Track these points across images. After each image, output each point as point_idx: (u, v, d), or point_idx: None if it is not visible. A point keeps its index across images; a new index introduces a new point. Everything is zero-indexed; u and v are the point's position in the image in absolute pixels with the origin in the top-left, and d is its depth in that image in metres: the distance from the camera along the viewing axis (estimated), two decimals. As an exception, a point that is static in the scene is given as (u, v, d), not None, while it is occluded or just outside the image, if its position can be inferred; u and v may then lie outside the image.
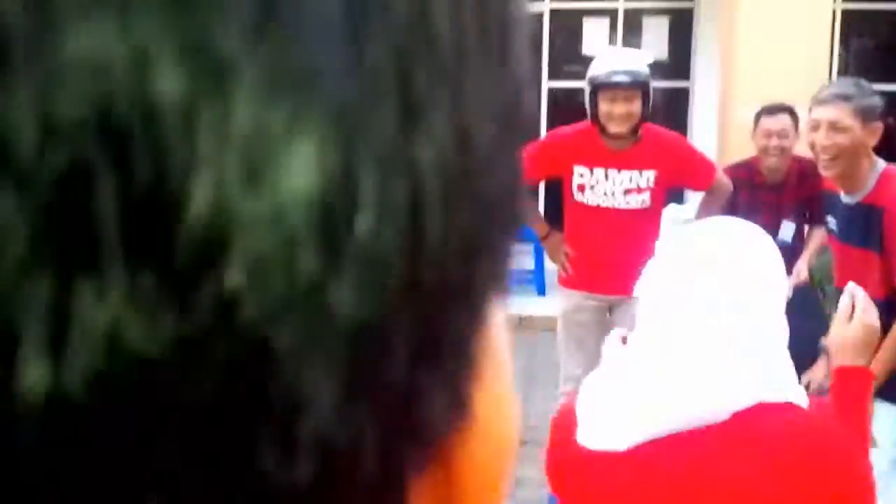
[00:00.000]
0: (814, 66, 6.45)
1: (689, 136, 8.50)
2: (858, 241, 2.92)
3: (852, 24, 7.03)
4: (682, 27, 8.72)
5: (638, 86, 3.64)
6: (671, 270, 1.46)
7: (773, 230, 4.53)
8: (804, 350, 2.70)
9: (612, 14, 8.79)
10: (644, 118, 3.73)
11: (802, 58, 6.43)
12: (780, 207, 4.53)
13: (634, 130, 3.73)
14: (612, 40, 8.76)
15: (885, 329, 2.80)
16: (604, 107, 3.66)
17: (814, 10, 6.43)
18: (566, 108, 9.08)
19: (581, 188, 3.87)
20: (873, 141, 2.82)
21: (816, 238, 4.62)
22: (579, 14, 8.89)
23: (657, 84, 8.50)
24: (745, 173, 4.56)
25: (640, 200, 3.81)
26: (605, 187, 3.82)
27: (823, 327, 2.34)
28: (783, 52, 6.43)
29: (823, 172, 2.97)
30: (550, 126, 8.82)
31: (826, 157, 2.87)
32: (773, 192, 4.52)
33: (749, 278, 1.39)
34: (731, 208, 4.49)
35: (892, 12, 8.08)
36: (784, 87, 6.48)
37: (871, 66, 8.30)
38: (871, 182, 2.87)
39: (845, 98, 2.81)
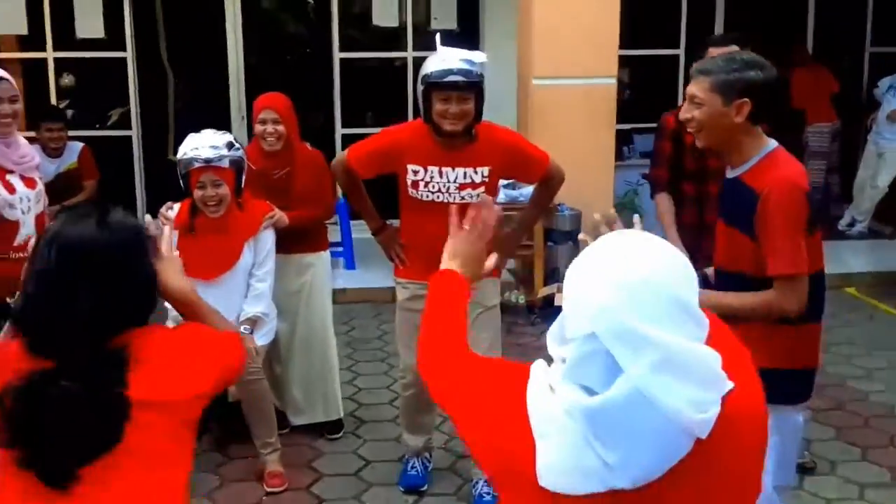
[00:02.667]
0: (605, 37, 6.55)
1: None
2: (729, 219, 2.87)
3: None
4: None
5: (473, 86, 3.54)
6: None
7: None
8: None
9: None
10: (478, 117, 3.63)
11: (594, 29, 6.51)
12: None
13: (468, 129, 3.63)
14: (401, 10, 8.60)
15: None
16: (438, 106, 3.55)
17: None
18: (359, 78, 8.88)
19: (415, 185, 3.73)
20: (739, 118, 2.71)
21: None
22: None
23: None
24: None
25: (475, 195, 3.70)
26: (438, 184, 3.70)
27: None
28: (576, 27, 6.47)
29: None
30: (343, 95, 8.61)
31: (690, 129, 2.85)
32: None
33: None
34: (677, 149, 4.27)
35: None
36: (579, 61, 6.57)
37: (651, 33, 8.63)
38: (752, 160, 2.77)
39: (706, 73, 2.76)
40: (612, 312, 1.33)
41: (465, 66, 3.53)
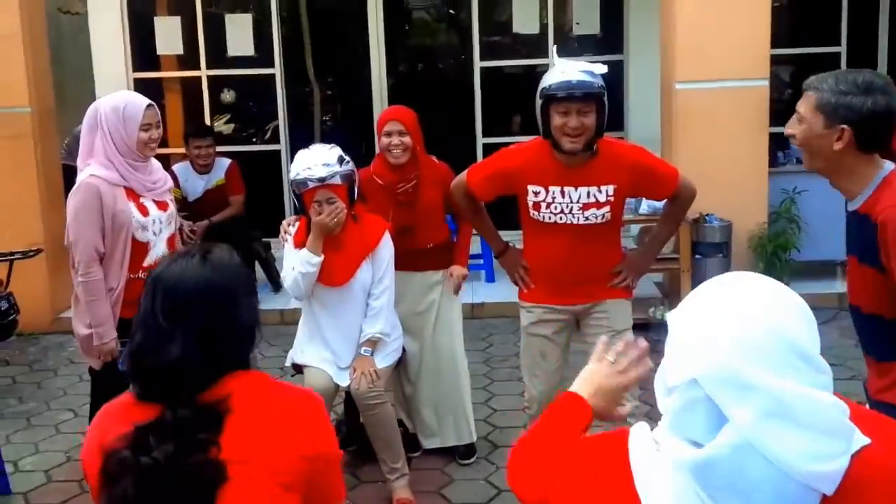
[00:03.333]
0: (756, 36, 6.11)
1: (626, 112, 8.15)
2: (857, 255, 2.53)
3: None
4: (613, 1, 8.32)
5: (592, 97, 3.33)
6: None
7: None
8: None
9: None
10: (599, 132, 3.40)
11: (743, 27, 6.08)
12: None
13: (590, 145, 3.40)
14: (542, 15, 8.33)
15: (891, 341, 2.49)
16: (557, 120, 3.36)
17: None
18: (500, 86, 8.70)
19: (537, 207, 3.54)
20: (839, 144, 2.38)
21: None
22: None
23: (590, 58, 8.22)
24: None
25: (599, 215, 3.51)
26: (561, 205, 3.50)
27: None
28: (723, 27, 6.06)
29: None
30: (484, 104, 8.42)
31: (795, 146, 2.57)
32: None
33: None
34: None
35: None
36: (726, 62, 6.17)
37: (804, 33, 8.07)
38: (869, 189, 2.45)
39: (814, 88, 2.45)
40: (714, 355, 1.24)
41: (586, 78, 3.34)
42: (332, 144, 3.95)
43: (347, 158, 3.90)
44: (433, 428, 4.50)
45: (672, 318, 1.35)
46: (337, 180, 3.79)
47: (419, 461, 4.45)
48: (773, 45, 6.30)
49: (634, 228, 6.62)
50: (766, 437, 1.19)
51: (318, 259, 3.84)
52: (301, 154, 3.90)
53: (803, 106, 2.47)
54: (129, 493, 1.65)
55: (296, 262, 3.91)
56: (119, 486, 1.66)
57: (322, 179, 3.76)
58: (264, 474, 1.72)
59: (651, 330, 6.16)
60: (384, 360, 4.01)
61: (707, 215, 6.12)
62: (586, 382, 1.76)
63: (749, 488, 1.20)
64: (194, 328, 1.75)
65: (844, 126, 2.37)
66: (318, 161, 3.80)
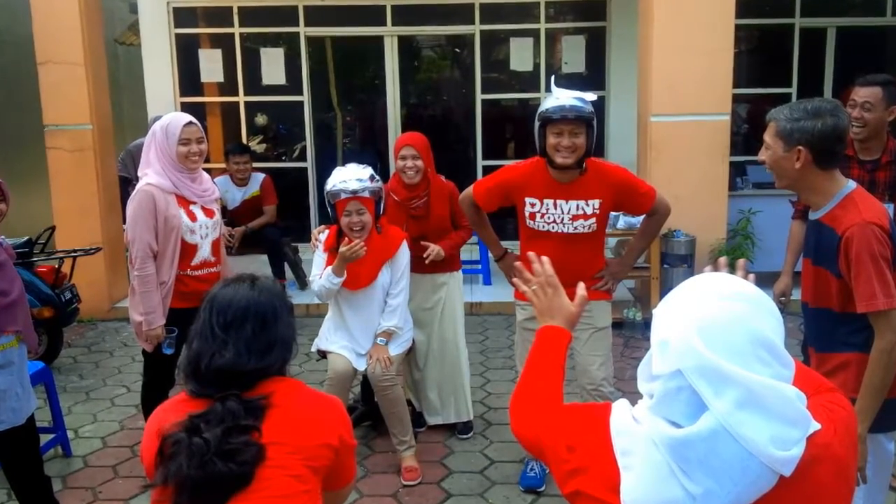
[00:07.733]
0: (719, 77, 6.16)
1: (606, 140, 8.20)
2: (815, 259, 2.55)
3: (746, 38, 6.71)
4: (596, 44, 8.37)
5: (583, 120, 3.35)
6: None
7: None
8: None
9: (535, 33, 8.41)
10: (588, 151, 3.42)
11: (709, 69, 6.13)
12: (873, 185, 3.56)
13: (580, 163, 3.42)
14: (536, 55, 8.39)
15: (833, 334, 2.52)
16: (552, 139, 3.38)
17: (718, 25, 6.10)
18: (498, 116, 8.73)
19: (532, 217, 3.56)
20: (798, 163, 2.40)
21: None
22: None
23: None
24: None
25: (587, 225, 3.51)
26: (553, 215, 3.51)
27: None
28: (691, 68, 6.10)
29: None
30: (484, 131, 8.47)
31: (766, 169, 2.57)
32: (864, 169, 3.62)
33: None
34: None
35: (780, 26, 7.87)
36: (694, 99, 6.20)
37: (761, 74, 8.10)
38: (831, 203, 2.45)
39: (773, 119, 2.48)
40: (696, 351, 1.22)
41: (577, 104, 3.36)
42: (365, 165, 3.95)
43: (377, 177, 3.90)
44: (437, 407, 4.53)
45: (657, 312, 1.33)
46: (366, 194, 3.80)
47: (424, 435, 4.48)
48: (734, 85, 6.34)
49: (612, 241, 6.65)
50: (740, 424, 1.18)
51: (340, 280, 3.85)
52: (338, 169, 3.91)
53: (767, 135, 2.49)
54: (183, 469, 1.68)
55: (322, 272, 3.91)
56: (174, 462, 1.70)
57: (354, 192, 3.78)
58: (295, 456, 1.78)
59: (625, 327, 6.22)
60: (396, 348, 4.03)
61: (674, 231, 6.16)
62: (543, 317, 1.86)
63: (719, 465, 1.19)
64: (244, 338, 1.82)
65: (801, 147, 2.39)
66: (352, 176, 3.81)
